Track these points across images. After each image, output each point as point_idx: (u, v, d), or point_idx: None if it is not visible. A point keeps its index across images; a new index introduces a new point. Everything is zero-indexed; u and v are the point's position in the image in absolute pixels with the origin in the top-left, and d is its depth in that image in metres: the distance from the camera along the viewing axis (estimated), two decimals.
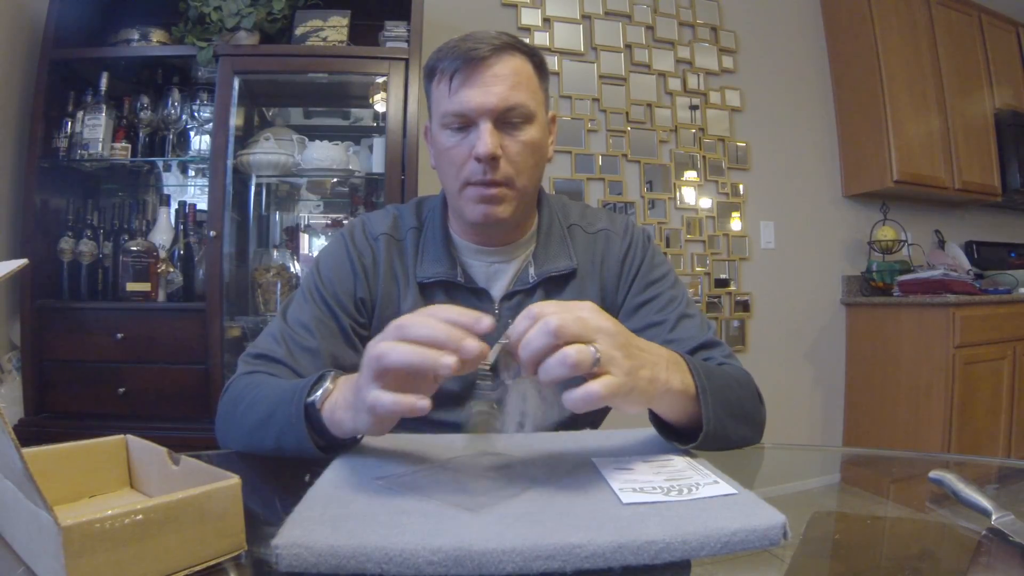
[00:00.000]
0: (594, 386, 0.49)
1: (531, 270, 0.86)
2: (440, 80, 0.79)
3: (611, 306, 0.88)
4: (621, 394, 0.51)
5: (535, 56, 0.82)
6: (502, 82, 0.77)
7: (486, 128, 0.76)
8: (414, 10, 1.96)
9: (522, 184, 0.80)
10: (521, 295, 0.85)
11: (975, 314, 2.44)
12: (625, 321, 0.86)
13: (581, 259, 0.88)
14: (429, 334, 0.49)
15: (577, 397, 0.49)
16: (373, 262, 0.86)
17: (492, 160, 0.76)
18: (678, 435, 0.63)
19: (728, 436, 0.64)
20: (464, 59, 0.76)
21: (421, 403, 0.49)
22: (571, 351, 0.48)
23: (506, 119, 0.78)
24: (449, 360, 0.47)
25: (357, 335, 0.83)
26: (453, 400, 0.82)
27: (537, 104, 0.81)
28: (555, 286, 0.87)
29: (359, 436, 0.62)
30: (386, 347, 0.50)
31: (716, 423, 0.61)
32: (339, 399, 0.59)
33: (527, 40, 2.49)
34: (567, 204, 0.95)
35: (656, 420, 0.64)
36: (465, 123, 0.78)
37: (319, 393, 0.60)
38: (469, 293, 0.85)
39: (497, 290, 0.86)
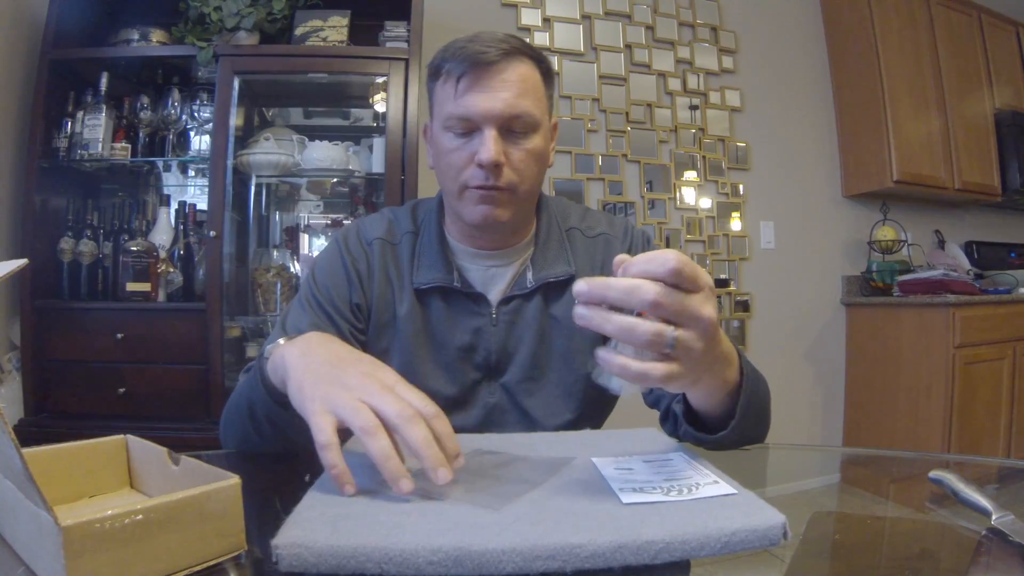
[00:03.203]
0: (656, 371, 0.47)
1: (529, 275, 0.85)
2: (446, 81, 0.77)
3: None
4: (678, 383, 0.50)
5: (543, 63, 0.81)
6: (509, 88, 0.75)
7: (491, 135, 0.75)
8: (414, 10, 1.96)
9: (524, 191, 0.80)
10: (518, 300, 0.85)
11: (975, 314, 2.44)
12: None
13: (580, 264, 0.88)
14: (417, 446, 0.47)
15: (633, 373, 0.47)
16: (367, 267, 0.86)
17: (495, 167, 0.76)
18: (696, 422, 0.64)
19: (748, 435, 0.66)
20: (472, 62, 0.75)
21: (350, 489, 0.47)
22: (647, 331, 0.46)
23: (511, 126, 0.77)
24: (407, 487, 0.46)
25: (355, 339, 0.83)
26: (452, 404, 0.83)
27: (542, 112, 0.80)
28: (554, 291, 0.86)
29: None
30: (365, 423, 0.47)
31: (743, 421, 0.62)
32: (287, 355, 0.59)
33: (527, 40, 2.50)
34: (567, 207, 0.94)
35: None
36: (469, 127, 0.76)
37: (269, 347, 0.63)
38: (466, 298, 0.84)
39: (494, 294, 0.86)
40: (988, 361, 2.47)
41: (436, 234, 0.86)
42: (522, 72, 0.77)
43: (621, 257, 0.49)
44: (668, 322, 0.47)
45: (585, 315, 0.47)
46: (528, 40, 2.44)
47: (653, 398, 0.82)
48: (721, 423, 0.63)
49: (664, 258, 0.46)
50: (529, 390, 0.84)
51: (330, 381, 0.52)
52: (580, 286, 0.47)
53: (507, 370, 0.84)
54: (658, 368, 0.47)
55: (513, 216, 0.81)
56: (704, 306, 0.48)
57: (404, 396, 0.50)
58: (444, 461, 0.47)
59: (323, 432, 0.48)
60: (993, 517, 0.46)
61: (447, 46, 0.79)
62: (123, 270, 1.80)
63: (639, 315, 0.48)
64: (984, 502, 0.48)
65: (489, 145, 0.74)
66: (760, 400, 0.66)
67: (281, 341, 0.63)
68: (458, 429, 0.82)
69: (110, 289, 1.87)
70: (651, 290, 0.46)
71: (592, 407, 0.86)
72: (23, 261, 0.42)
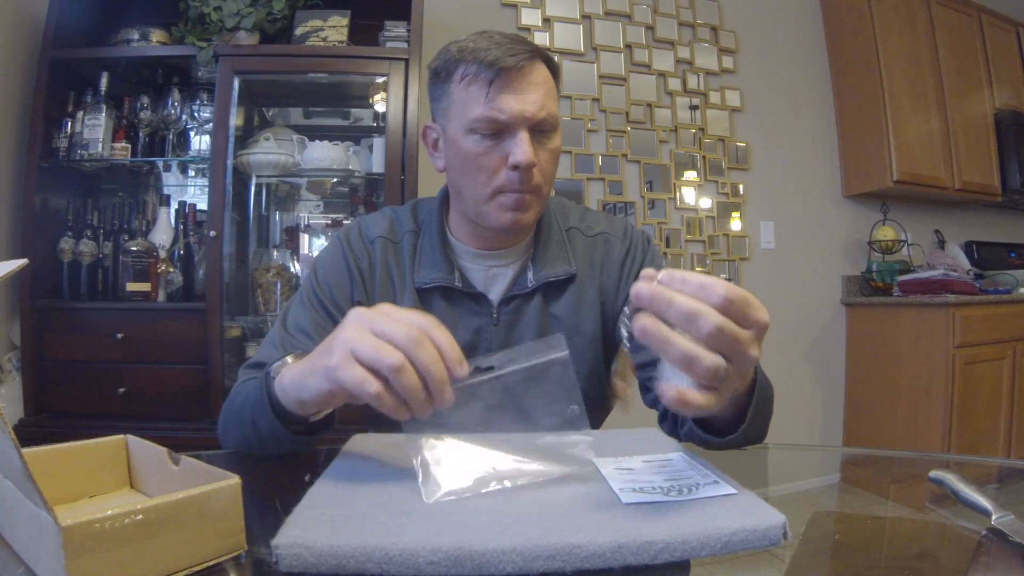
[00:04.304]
0: (698, 400, 0.45)
1: (529, 274, 0.85)
2: (471, 84, 0.76)
3: (611, 309, 0.88)
4: (708, 410, 0.48)
5: (551, 63, 0.82)
6: (536, 90, 0.77)
7: (524, 137, 0.76)
8: (414, 10, 1.96)
9: (546, 192, 0.82)
10: (519, 299, 0.85)
11: (975, 314, 2.44)
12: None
13: (580, 263, 0.88)
14: (426, 367, 0.48)
15: (672, 400, 0.45)
16: (369, 265, 0.86)
17: (530, 168, 0.76)
18: (702, 423, 0.64)
19: (752, 436, 0.65)
20: (501, 65, 0.75)
21: (405, 414, 0.49)
22: (709, 365, 0.43)
23: (539, 127, 0.78)
24: (426, 411, 0.48)
25: None
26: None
27: (559, 112, 0.82)
28: (554, 290, 0.87)
29: (319, 416, 0.62)
30: (393, 360, 0.47)
31: (752, 424, 0.62)
32: (292, 370, 0.59)
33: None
34: (566, 206, 0.95)
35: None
36: (497, 129, 0.76)
37: (276, 364, 0.62)
38: (467, 298, 0.85)
39: (495, 294, 0.86)
40: (988, 361, 2.47)
41: (438, 233, 0.87)
42: (544, 74, 0.79)
43: (649, 272, 0.46)
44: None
45: (648, 333, 0.44)
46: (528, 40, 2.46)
47: (651, 398, 0.82)
48: (730, 425, 0.63)
49: (716, 288, 0.44)
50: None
51: (332, 341, 0.52)
52: (642, 288, 0.43)
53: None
54: (700, 399, 0.46)
55: (534, 218, 0.82)
56: (752, 346, 0.46)
57: (406, 319, 0.50)
58: (447, 380, 0.49)
59: (367, 382, 0.48)
60: (993, 517, 0.46)
61: (459, 48, 0.78)
62: (123, 270, 1.80)
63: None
64: (984, 502, 0.48)
65: (525, 147, 0.75)
66: (767, 403, 0.66)
67: (289, 359, 0.62)
68: (458, 427, 0.83)
69: (110, 289, 1.87)
70: (715, 320, 0.43)
71: (592, 406, 0.86)
72: (23, 261, 0.42)
